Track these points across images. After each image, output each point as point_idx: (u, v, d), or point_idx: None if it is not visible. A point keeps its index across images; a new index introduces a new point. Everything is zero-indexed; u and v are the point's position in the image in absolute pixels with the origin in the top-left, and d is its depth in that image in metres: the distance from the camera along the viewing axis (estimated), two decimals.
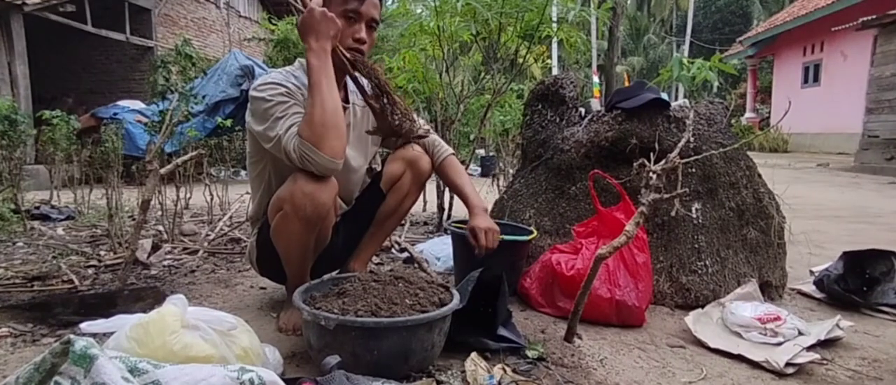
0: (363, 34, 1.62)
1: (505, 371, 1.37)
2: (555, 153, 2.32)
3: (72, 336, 0.92)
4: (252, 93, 1.57)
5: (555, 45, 14.28)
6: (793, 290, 2.26)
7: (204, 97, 6.77)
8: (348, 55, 1.59)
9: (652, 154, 1.80)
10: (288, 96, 1.55)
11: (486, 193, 2.88)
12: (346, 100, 1.74)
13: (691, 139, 2.08)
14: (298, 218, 1.51)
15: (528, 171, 2.47)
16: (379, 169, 1.94)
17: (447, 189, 3.29)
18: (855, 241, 3.23)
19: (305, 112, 1.49)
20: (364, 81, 1.67)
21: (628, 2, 26.44)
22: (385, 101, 1.61)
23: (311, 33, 1.50)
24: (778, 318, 1.69)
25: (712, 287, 2.01)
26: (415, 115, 1.72)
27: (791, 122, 12.98)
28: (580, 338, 1.67)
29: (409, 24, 3.24)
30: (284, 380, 1.06)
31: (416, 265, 2.47)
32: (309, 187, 1.49)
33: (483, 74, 3.82)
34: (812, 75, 14.35)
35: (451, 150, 1.93)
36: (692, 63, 2.41)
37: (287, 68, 1.69)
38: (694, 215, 2.07)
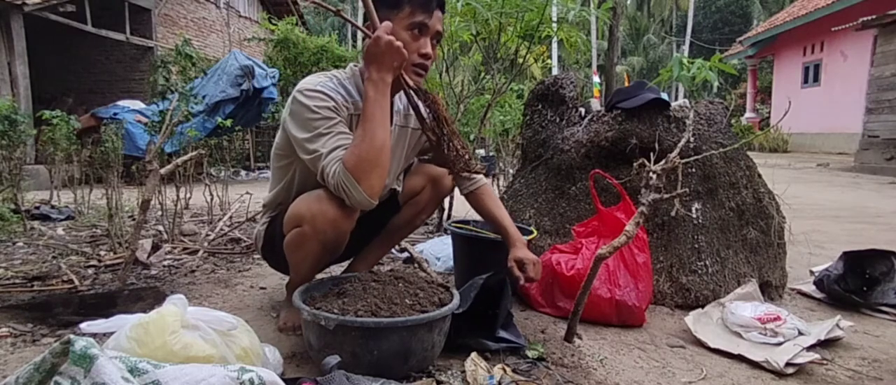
0: (429, 49, 1.55)
1: (505, 371, 1.37)
2: (555, 153, 2.32)
3: (72, 336, 0.92)
4: (297, 95, 1.50)
5: (555, 45, 14.29)
6: (793, 290, 2.26)
7: (204, 97, 6.78)
8: (411, 83, 1.52)
9: (652, 154, 1.80)
10: (334, 112, 1.49)
11: None
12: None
13: (691, 139, 2.08)
14: (317, 241, 1.49)
15: (528, 171, 2.47)
16: (398, 188, 1.89)
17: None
18: (855, 241, 3.23)
19: (354, 141, 1.44)
20: (422, 108, 1.58)
21: (628, 2, 26.46)
22: (443, 133, 1.55)
23: (373, 62, 1.43)
24: (778, 318, 1.69)
25: (712, 287, 2.01)
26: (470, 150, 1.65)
27: (791, 122, 12.99)
28: (580, 338, 1.67)
29: None
30: (284, 380, 1.06)
31: (416, 265, 2.47)
32: (333, 213, 1.46)
33: (483, 74, 3.82)
34: (812, 75, 14.36)
35: (485, 178, 1.84)
36: (692, 63, 2.41)
37: (337, 74, 1.61)
38: (694, 215, 2.07)
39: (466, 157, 1.58)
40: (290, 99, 1.55)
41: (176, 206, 3.12)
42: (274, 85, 7.85)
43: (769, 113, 16.77)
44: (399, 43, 1.43)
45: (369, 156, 1.41)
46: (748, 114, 16.93)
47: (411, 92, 1.53)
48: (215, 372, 0.98)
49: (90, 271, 2.38)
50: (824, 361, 1.57)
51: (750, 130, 14.04)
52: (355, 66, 1.66)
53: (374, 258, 1.97)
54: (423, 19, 1.50)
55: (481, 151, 8.64)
